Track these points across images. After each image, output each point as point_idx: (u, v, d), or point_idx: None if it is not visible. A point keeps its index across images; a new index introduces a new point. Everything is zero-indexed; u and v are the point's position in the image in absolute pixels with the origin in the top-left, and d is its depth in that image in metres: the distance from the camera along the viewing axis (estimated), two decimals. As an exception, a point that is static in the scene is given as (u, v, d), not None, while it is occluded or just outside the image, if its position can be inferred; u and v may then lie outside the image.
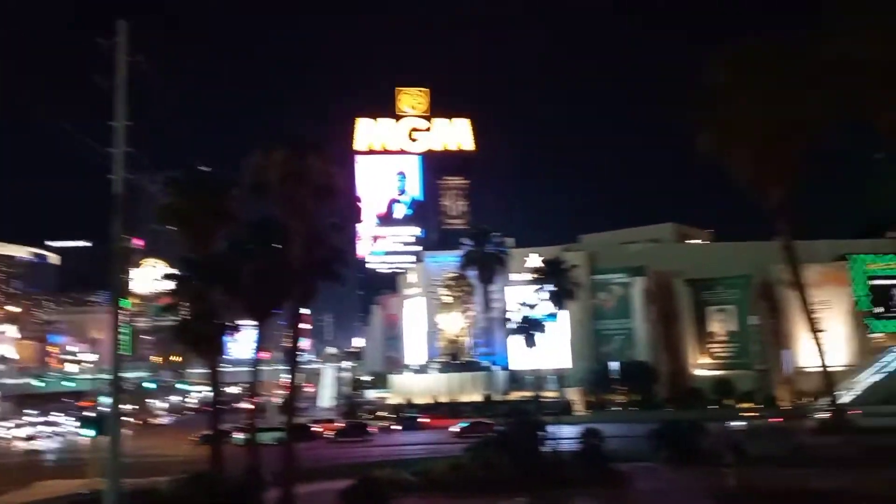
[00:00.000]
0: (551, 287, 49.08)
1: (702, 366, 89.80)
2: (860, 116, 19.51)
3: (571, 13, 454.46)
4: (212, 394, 37.85)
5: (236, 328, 35.59)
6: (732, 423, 62.35)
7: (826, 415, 54.32)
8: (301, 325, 34.19)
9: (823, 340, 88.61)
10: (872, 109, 19.08)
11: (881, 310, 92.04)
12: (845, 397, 78.22)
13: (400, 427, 73.72)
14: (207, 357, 35.10)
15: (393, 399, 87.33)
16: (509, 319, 51.99)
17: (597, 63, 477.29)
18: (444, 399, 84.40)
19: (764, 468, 37.47)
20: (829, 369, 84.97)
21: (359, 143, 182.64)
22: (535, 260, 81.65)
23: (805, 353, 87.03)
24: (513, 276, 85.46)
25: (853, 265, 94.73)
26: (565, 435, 43.17)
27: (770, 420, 58.30)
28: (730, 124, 20.08)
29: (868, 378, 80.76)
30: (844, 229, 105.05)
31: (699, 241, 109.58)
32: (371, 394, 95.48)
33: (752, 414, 67.35)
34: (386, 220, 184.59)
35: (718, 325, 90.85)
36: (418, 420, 76.26)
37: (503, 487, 34.51)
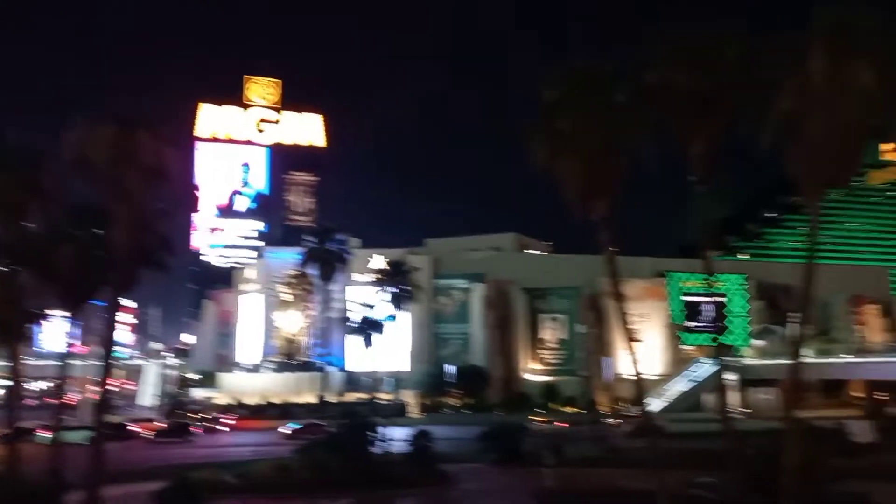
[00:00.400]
0: (393, 289, 49.14)
1: (532, 371, 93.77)
2: (676, 142, 20.99)
3: (432, 17, 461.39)
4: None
5: (44, 316, 32.54)
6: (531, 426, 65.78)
7: (637, 419, 58.89)
8: (123, 318, 31.84)
9: (642, 350, 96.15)
10: (686, 136, 20.63)
11: (693, 324, 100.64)
12: (657, 404, 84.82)
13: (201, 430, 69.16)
14: (8, 347, 31.79)
15: (222, 399, 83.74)
16: (348, 319, 51.47)
17: (454, 69, 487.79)
18: (276, 400, 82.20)
19: (580, 468, 39.64)
20: (643, 377, 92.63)
21: (201, 129, 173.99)
22: (379, 261, 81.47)
23: (625, 362, 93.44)
24: (356, 277, 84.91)
25: (670, 282, 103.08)
26: (397, 437, 43.38)
27: (556, 423, 60.59)
28: (560, 138, 20.94)
29: (678, 386, 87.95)
30: (666, 248, 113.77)
31: (537, 252, 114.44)
32: (198, 393, 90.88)
33: (541, 419, 70.50)
34: (226, 212, 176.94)
35: (550, 333, 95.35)
36: (221, 421, 73.39)
37: (330, 488, 34.24)
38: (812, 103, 18.50)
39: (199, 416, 74.85)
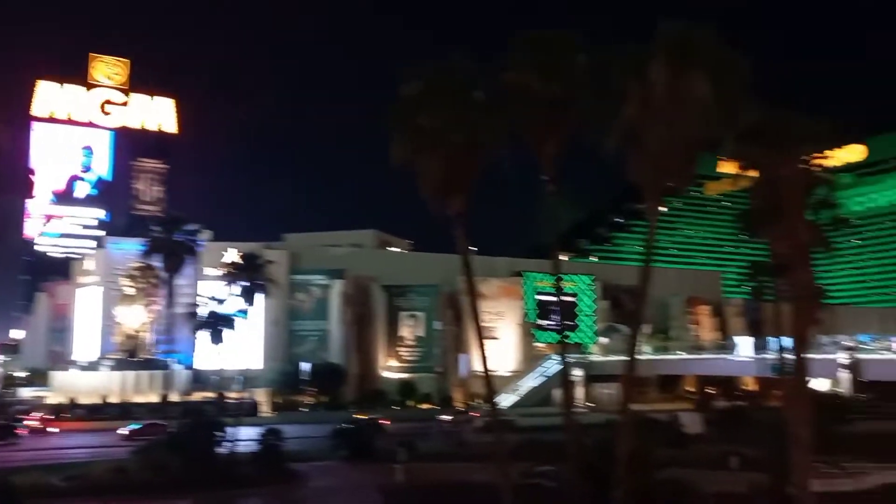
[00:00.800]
0: (245, 283, 47.25)
1: (390, 368, 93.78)
2: (529, 144, 21.50)
3: (304, 6, 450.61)
4: None
5: None
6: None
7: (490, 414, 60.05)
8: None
9: (498, 347, 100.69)
10: (538, 137, 21.16)
11: (545, 322, 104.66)
12: (510, 399, 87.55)
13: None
14: None
15: (54, 398, 77.28)
16: (196, 314, 48.96)
17: (324, 60, 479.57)
18: (115, 399, 76.99)
19: (431, 463, 40.03)
20: (499, 374, 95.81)
21: (38, 108, 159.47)
22: (233, 255, 78.29)
23: (480, 359, 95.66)
24: (208, 271, 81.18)
25: (526, 281, 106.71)
26: (246, 436, 41.98)
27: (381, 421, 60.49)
28: (420, 135, 20.85)
29: (530, 382, 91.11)
30: (524, 248, 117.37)
31: (398, 250, 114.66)
32: (26, 392, 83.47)
33: (362, 415, 69.61)
34: (64, 198, 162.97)
35: (408, 330, 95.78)
36: (50, 421, 67.76)
37: (170, 490, 32.76)
38: (653, 113, 19.44)
39: (24, 416, 68.51)
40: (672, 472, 20.98)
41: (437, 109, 20.96)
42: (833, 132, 26.30)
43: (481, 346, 22.96)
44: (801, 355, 29.59)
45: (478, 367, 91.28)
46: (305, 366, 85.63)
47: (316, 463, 41.55)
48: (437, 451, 46.26)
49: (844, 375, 73.28)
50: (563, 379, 22.85)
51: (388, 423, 59.43)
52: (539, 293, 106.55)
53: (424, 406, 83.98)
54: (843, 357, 73.23)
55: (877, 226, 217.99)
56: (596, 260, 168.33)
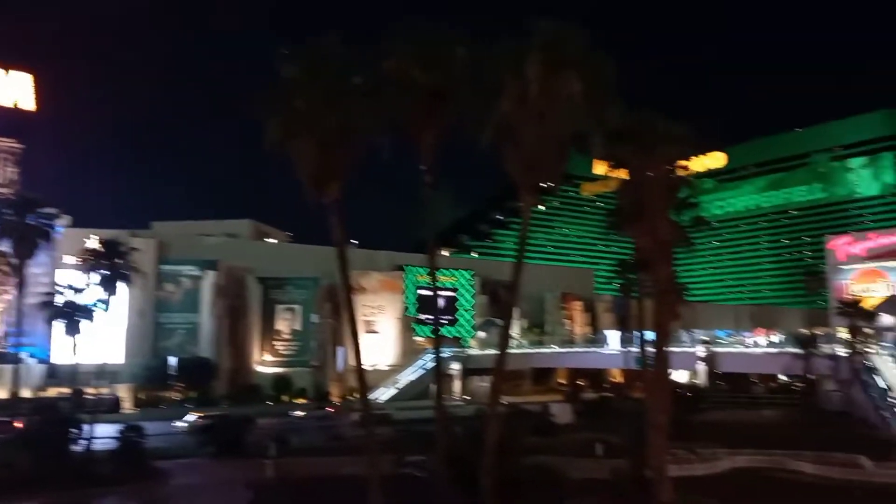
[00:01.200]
0: (105, 271, 44.35)
1: (265, 363, 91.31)
2: (407, 134, 21.36)
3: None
4: None
5: None
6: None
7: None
8: None
9: (378, 341, 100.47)
10: (417, 128, 21.06)
11: (425, 316, 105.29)
12: (388, 393, 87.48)
13: None
14: None
15: None
16: (52, 304, 45.55)
17: (200, 39, 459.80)
18: (-45, 396, 70.61)
19: (304, 458, 39.27)
20: (378, 368, 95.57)
21: None
22: (95, 242, 73.48)
23: (354, 352, 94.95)
24: (68, 259, 75.85)
25: (407, 276, 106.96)
26: (105, 433, 39.65)
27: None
28: (296, 118, 20.22)
29: (409, 376, 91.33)
30: (408, 243, 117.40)
31: (275, 241, 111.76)
32: None
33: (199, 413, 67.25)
34: None
35: (285, 324, 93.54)
36: None
37: (20, 489, 30.46)
38: (527, 109, 19.80)
39: None
40: (540, 460, 21.68)
41: (313, 92, 20.42)
42: (693, 137, 27.90)
43: (355, 339, 22.62)
44: (662, 348, 31.24)
45: (355, 361, 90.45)
46: (173, 360, 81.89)
47: (181, 460, 39.83)
48: (311, 446, 45.50)
49: (702, 368, 78.31)
50: (436, 371, 22.88)
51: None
52: (420, 287, 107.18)
53: (300, 401, 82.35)
54: (700, 350, 78.20)
55: (734, 228, 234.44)
56: (476, 256, 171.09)
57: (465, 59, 21.25)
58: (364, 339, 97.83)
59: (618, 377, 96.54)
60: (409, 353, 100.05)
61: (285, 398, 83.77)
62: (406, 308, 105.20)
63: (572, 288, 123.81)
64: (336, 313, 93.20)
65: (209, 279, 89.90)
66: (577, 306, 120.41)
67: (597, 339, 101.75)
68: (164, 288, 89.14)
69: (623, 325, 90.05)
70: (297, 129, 20.68)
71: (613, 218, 32.97)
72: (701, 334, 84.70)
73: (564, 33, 20.09)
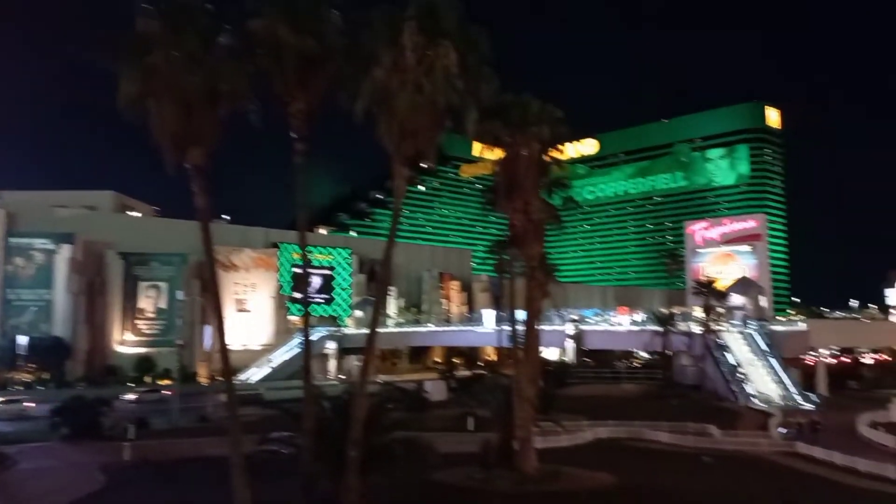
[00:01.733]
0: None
1: (127, 343, 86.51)
2: (278, 100, 20.38)
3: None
4: None
5: None
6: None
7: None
8: None
9: (251, 320, 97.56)
10: (288, 93, 20.14)
11: (300, 295, 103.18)
12: (261, 372, 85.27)
13: None
14: None
15: None
16: None
17: None
18: None
19: (166, 439, 37.50)
20: (250, 347, 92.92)
21: None
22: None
23: (229, 332, 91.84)
24: None
25: (282, 253, 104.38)
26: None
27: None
28: (153, 76, 18.79)
29: (283, 355, 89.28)
30: (286, 219, 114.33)
31: (140, 215, 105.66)
32: None
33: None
34: None
35: (149, 302, 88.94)
36: None
37: None
38: (402, 78, 19.38)
39: None
40: (411, 435, 21.69)
41: (173, 48, 19.05)
42: (566, 119, 28.56)
43: (219, 318, 21.54)
44: (531, 324, 32.07)
45: (226, 340, 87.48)
46: (23, 339, 76.04)
47: (31, 444, 37.08)
48: (176, 427, 43.57)
49: (570, 345, 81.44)
50: (305, 345, 22.24)
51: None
52: (295, 265, 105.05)
53: (164, 382, 78.64)
54: (569, 329, 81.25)
55: (603, 213, 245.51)
56: (355, 235, 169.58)
57: (338, 24, 20.50)
58: (235, 317, 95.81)
59: (492, 355, 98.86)
60: (284, 333, 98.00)
61: (148, 379, 79.83)
62: (281, 286, 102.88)
63: (450, 268, 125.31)
64: (205, 291, 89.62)
65: (64, 253, 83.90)
66: (455, 286, 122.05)
67: (473, 319, 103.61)
68: (13, 262, 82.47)
69: (498, 304, 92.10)
70: (154, 86, 19.28)
71: (489, 195, 33.38)
72: (570, 313, 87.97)
73: (440, 3, 19.81)
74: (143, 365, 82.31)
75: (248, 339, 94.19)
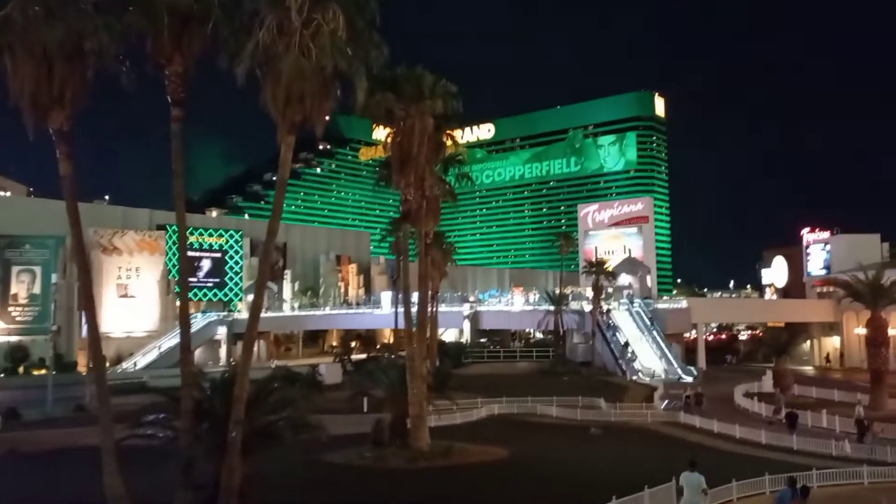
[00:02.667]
0: None
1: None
2: (152, 61, 19.05)
3: None
4: None
5: None
6: None
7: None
8: None
9: (136, 306, 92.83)
10: (163, 53, 18.84)
11: (191, 279, 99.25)
12: (147, 359, 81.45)
13: None
14: None
15: None
16: None
17: None
18: None
19: (36, 430, 35.10)
20: (135, 335, 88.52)
21: None
22: None
23: (112, 319, 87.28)
24: None
25: (169, 236, 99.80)
26: None
27: None
28: (6, 30, 17.19)
29: (170, 342, 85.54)
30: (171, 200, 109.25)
31: (9, 194, 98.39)
32: None
33: None
34: None
35: (21, 287, 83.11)
36: None
37: None
38: (286, 41, 18.49)
39: None
40: (300, 414, 21.19)
41: (37, 3, 17.53)
42: (457, 92, 28.37)
43: (89, 303, 20.11)
44: (424, 301, 31.95)
45: (109, 328, 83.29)
46: None
47: None
48: (49, 418, 40.86)
49: (467, 326, 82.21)
50: (181, 323, 21.15)
51: None
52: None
53: (38, 372, 73.79)
54: (466, 309, 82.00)
55: (501, 197, 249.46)
56: (248, 217, 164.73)
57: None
58: (119, 304, 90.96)
59: (390, 338, 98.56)
60: (172, 319, 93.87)
61: (21, 370, 74.71)
62: (169, 271, 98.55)
63: (348, 250, 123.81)
64: (86, 276, 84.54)
65: (-80, 235, 77.10)
66: (352, 269, 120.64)
67: (371, 301, 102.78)
68: None
69: (395, 286, 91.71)
70: (10, 42, 17.65)
71: (383, 171, 32.87)
72: (468, 295, 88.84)
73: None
74: (17, 354, 76.89)
75: (132, 326, 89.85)
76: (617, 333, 67.21)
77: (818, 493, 22.21)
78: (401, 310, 30.85)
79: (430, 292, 67.69)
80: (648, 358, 64.11)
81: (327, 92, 19.13)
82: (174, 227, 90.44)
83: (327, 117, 19.66)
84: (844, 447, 29.64)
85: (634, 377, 59.73)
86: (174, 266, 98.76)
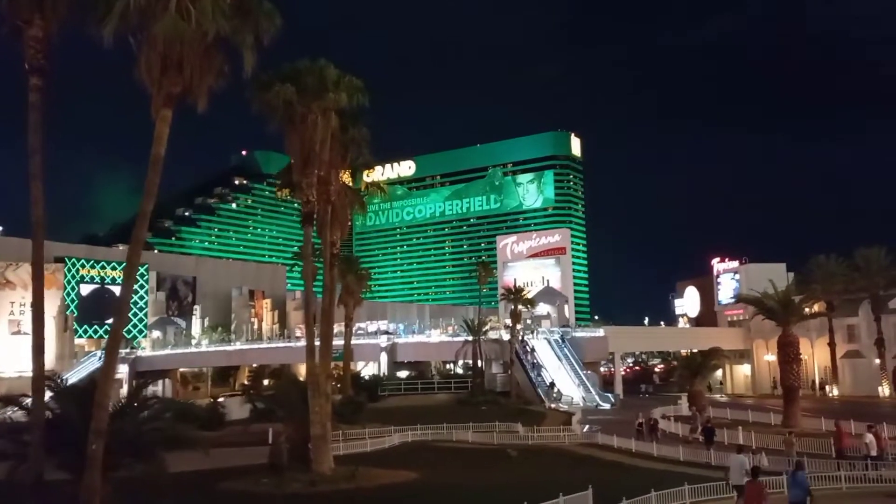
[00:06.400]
0: None
1: None
2: (12, 27, 16.85)
3: None
4: None
5: None
6: None
7: None
8: None
9: (28, 343, 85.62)
10: (21, 16, 16.68)
11: (89, 315, 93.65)
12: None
13: None
14: None
15: None
16: None
17: None
18: None
19: None
20: (22, 375, 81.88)
21: None
22: None
23: (2, 357, 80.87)
24: None
25: (69, 269, 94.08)
26: None
27: None
28: None
29: (70, 380, 79.52)
30: (75, 233, 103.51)
31: None
32: None
33: None
34: None
35: None
36: None
37: None
38: (164, 3, 16.66)
39: None
40: (179, 429, 18.87)
41: None
42: (363, 86, 26.91)
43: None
44: (329, 311, 29.94)
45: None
46: None
47: None
48: None
49: (384, 358, 79.71)
50: (35, 324, 18.60)
51: None
52: (84, 282, 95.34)
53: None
54: (383, 341, 79.61)
55: (422, 234, 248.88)
56: (155, 251, 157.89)
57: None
58: (11, 341, 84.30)
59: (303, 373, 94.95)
60: (69, 357, 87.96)
61: None
62: (67, 306, 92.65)
63: (262, 285, 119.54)
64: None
65: None
66: (267, 304, 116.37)
67: (285, 336, 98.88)
68: None
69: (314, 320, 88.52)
70: None
71: (286, 176, 30.96)
72: (384, 328, 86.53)
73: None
74: None
75: (26, 365, 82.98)
76: (535, 362, 66.30)
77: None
78: (317, 342, 28.57)
79: (347, 319, 65.64)
80: (567, 386, 63.34)
81: (210, 62, 17.33)
82: (73, 260, 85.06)
83: (209, 92, 17.64)
84: (762, 460, 29.09)
85: (553, 405, 58.71)
86: (73, 301, 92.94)
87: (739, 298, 72.07)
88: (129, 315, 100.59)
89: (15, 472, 16.17)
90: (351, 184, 31.85)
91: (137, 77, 17.20)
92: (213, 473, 27.79)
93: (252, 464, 29.35)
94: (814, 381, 72.87)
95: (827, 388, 71.99)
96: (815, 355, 72.60)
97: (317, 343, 28.56)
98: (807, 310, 50.95)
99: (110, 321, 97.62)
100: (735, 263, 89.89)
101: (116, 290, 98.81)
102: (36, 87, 17.11)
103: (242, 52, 17.88)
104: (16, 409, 18.01)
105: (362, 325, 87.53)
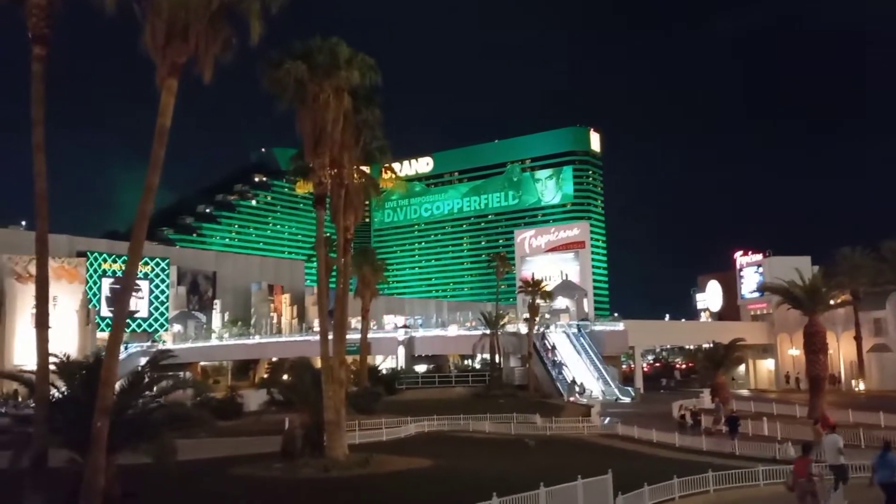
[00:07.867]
0: None
1: None
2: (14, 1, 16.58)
3: None
4: None
5: None
6: None
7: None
8: None
9: (52, 336, 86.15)
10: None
11: (113, 309, 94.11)
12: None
13: None
14: None
15: None
16: None
17: None
18: None
19: None
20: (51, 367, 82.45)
21: None
22: None
23: (25, 351, 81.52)
24: None
25: (91, 263, 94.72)
26: None
27: None
28: None
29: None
30: (97, 227, 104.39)
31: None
32: None
33: None
34: None
35: (-81, 315, 76.80)
36: None
37: None
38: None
39: None
40: (186, 408, 18.66)
41: None
42: (375, 65, 26.41)
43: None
44: (343, 297, 29.49)
45: (19, 359, 77.75)
46: None
47: None
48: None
49: (402, 351, 79.36)
50: (39, 294, 18.31)
51: None
52: (106, 276, 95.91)
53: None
54: (401, 335, 79.27)
55: (440, 230, 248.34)
56: (176, 245, 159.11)
57: None
58: (33, 334, 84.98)
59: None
60: (92, 350, 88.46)
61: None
62: (90, 300, 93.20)
63: (282, 280, 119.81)
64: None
65: None
66: (286, 298, 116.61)
67: (303, 329, 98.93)
68: None
69: (330, 313, 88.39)
70: None
71: (298, 161, 30.56)
72: (401, 322, 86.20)
73: None
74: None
75: (51, 358, 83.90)
76: (553, 355, 65.56)
77: (764, 491, 21.43)
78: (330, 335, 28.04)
79: (363, 311, 65.28)
80: (586, 379, 62.54)
81: (216, 31, 16.89)
82: (95, 255, 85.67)
83: (216, 62, 17.21)
84: (788, 450, 28.26)
85: (572, 398, 57.95)
86: (94, 295, 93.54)
87: (764, 287, 70.72)
88: (151, 309, 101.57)
89: (17, 457, 15.93)
90: (367, 169, 31.38)
91: (142, 46, 16.83)
92: (226, 460, 27.69)
93: (266, 451, 29.17)
94: (835, 375, 71.23)
95: (853, 382, 70.46)
96: (840, 349, 71.06)
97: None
98: (832, 301, 49.74)
99: (130, 312, 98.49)
100: (758, 256, 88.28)
101: (139, 284, 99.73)
102: (38, 56, 16.79)
103: (249, 21, 17.41)
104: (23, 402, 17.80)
105: (382, 319, 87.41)
